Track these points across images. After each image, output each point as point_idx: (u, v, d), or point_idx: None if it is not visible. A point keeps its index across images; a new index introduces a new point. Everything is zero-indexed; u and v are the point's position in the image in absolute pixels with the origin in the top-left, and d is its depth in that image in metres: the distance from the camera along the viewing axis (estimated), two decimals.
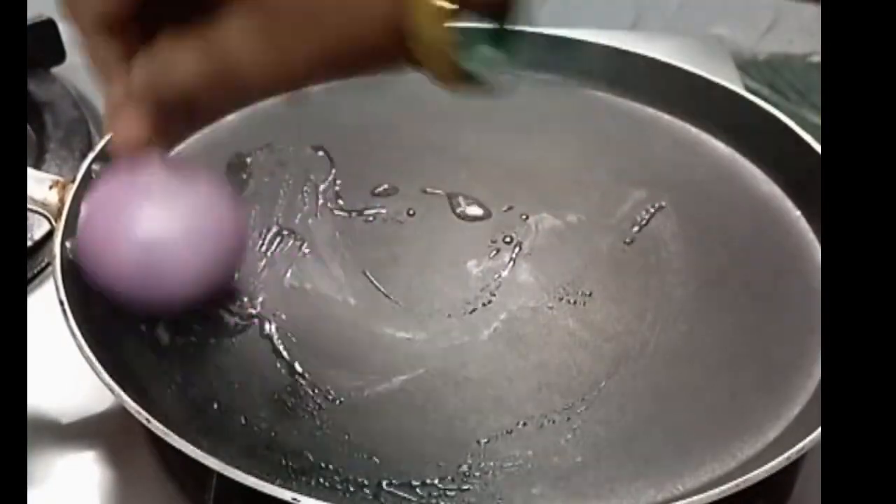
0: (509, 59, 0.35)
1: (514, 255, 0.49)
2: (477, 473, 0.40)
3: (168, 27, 0.37)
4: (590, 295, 0.48)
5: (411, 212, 0.52)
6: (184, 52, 0.36)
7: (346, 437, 0.41)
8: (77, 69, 0.67)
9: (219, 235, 0.42)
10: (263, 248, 0.49)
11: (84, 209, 0.43)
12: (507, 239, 0.50)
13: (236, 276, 0.46)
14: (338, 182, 0.53)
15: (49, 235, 0.48)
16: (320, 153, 0.55)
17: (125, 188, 0.42)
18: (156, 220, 0.41)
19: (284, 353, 0.44)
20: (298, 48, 0.34)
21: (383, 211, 0.52)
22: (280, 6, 0.33)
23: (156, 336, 0.45)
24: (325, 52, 0.34)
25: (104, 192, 0.42)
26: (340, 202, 0.52)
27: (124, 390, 0.39)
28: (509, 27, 0.35)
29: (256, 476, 0.37)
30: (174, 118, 0.39)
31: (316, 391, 0.43)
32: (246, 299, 0.47)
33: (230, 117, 0.57)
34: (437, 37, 0.32)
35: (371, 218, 0.51)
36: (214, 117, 0.55)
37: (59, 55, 0.67)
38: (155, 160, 0.41)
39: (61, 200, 0.47)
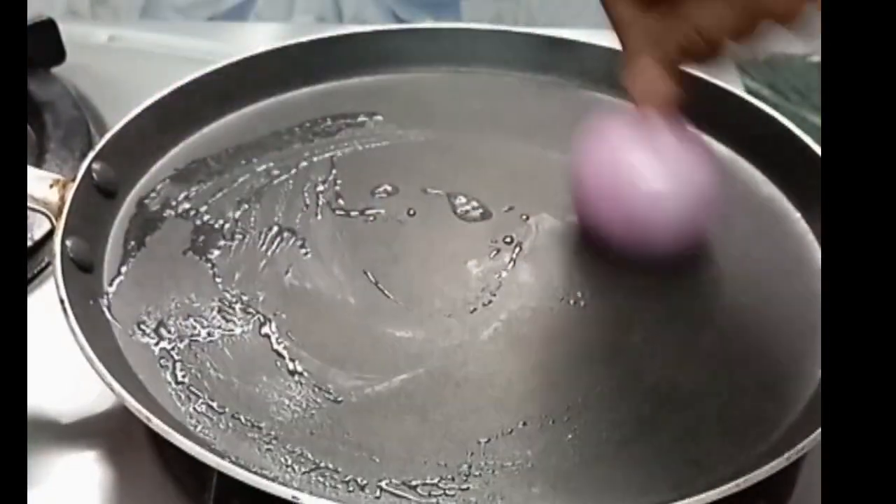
0: None
1: (514, 256, 0.49)
2: (477, 473, 0.40)
3: None
4: (589, 295, 0.48)
5: (411, 212, 0.52)
6: (719, 10, 0.39)
7: (347, 436, 0.41)
8: (76, 69, 0.67)
9: (706, 194, 0.46)
10: (263, 248, 0.49)
11: (590, 140, 0.47)
12: (508, 239, 0.50)
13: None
14: (338, 182, 0.53)
15: (49, 234, 0.48)
16: (321, 154, 0.55)
17: (633, 136, 0.45)
18: (658, 172, 0.45)
19: (284, 353, 0.44)
20: None
21: (383, 211, 0.52)
22: None
23: (156, 336, 0.45)
24: None
25: (611, 134, 0.46)
26: (340, 202, 0.52)
27: (125, 389, 0.39)
28: None
29: (257, 475, 0.37)
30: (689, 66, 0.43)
31: (316, 391, 0.43)
32: (246, 299, 0.47)
33: (230, 116, 0.57)
34: None
35: (371, 218, 0.51)
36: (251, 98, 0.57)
37: (59, 55, 0.67)
38: (663, 114, 0.44)
39: (62, 199, 0.47)
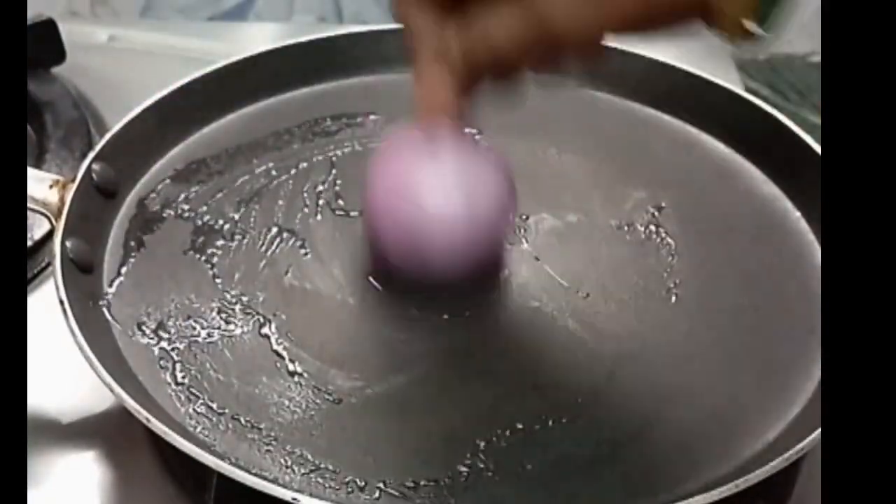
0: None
1: (514, 255, 0.49)
2: (477, 474, 0.40)
3: None
4: (589, 295, 0.48)
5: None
6: (502, 17, 0.37)
7: (346, 437, 0.41)
8: (76, 69, 0.68)
9: (497, 213, 0.43)
10: (263, 248, 0.49)
11: (375, 167, 0.44)
12: (507, 238, 0.50)
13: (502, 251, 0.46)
14: (338, 182, 0.53)
15: (49, 235, 0.48)
16: (321, 154, 0.55)
17: (419, 154, 0.42)
18: (445, 193, 0.41)
19: (284, 354, 0.44)
20: (621, 7, 0.35)
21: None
22: None
23: (155, 336, 0.45)
24: (644, 11, 0.35)
25: (397, 154, 0.43)
26: (340, 202, 0.52)
27: (124, 390, 0.39)
28: None
29: (257, 476, 0.37)
30: (477, 86, 0.40)
31: (315, 392, 0.43)
32: (246, 299, 0.47)
33: (230, 116, 0.57)
34: None
35: None
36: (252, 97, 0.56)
37: (59, 55, 0.67)
38: (453, 128, 0.41)
39: (61, 200, 0.47)
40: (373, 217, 0.44)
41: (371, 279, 0.48)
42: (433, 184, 0.42)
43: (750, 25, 0.35)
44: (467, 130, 0.43)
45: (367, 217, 0.45)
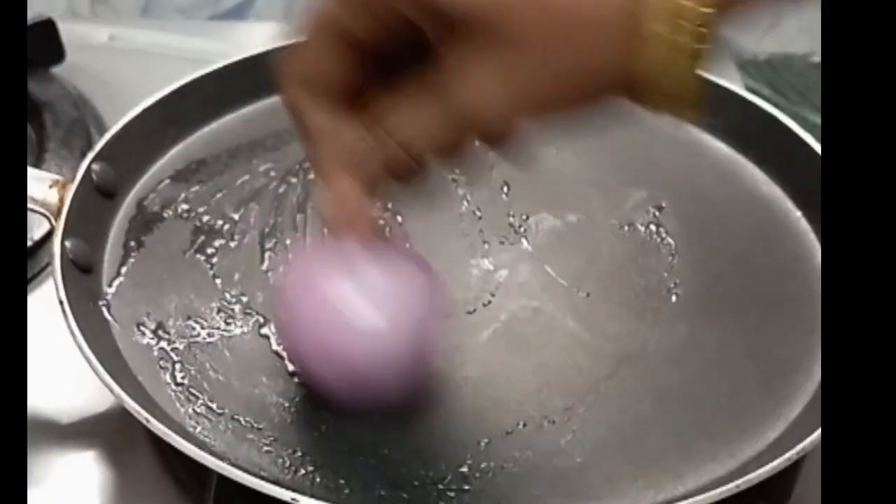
0: None
1: (514, 256, 0.49)
2: (477, 474, 0.40)
3: (379, 83, 0.35)
4: (589, 295, 0.48)
5: (410, 212, 0.51)
6: (415, 111, 0.34)
7: (346, 437, 0.41)
8: (76, 69, 0.67)
9: (426, 329, 0.40)
10: (263, 248, 0.49)
11: (290, 279, 0.41)
12: (507, 239, 0.50)
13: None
14: None
15: (49, 235, 0.48)
16: None
17: (335, 271, 0.38)
18: (368, 314, 0.38)
19: (284, 354, 0.44)
20: (536, 87, 0.33)
21: (384, 211, 0.51)
22: (518, 38, 0.32)
23: (155, 337, 0.45)
24: (560, 91, 0.33)
25: (311, 273, 0.39)
26: None
27: (124, 390, 0.39)
28: None
29: (257, 476, 0.37)
30: (391, 183, 0.36)
31: (315, 391, 0.43)
32: (246, 299, 0.47)
33: (230, 116, 0.57)
34: (678, 77, 0.32)
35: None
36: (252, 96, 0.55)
37: (59, 55, 0.67)
38: (367, 237, 0.38)
39: (61, 200, 0.47)
40: (290, 332, 0.41)
41: None
42: (352, 300, 0.38)
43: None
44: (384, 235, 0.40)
45: (283, 331, 0.43)
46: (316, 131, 0.36)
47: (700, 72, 0.33)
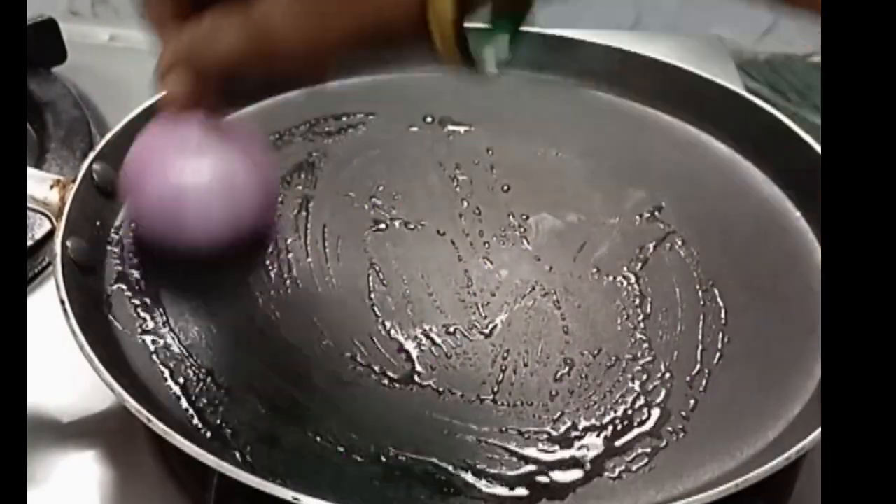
0: (510, 57, 0.38)
1: (514, 255, 0.49)
2: (477, 473, 0.40)
3: (220, 2, 0.38)
4: (589, 295, 0.48)
5: (411, 211, 0.52)
6: (227, 26, 0.38)
7: (346, 437, 0.41)
8: (77, 69, 0.68)
9: (246, 189, 0.45)
10: (266, 247, 0.49)
11: (130, 151, 0.46)
12: (508, 238, 0.50)
13: (267, 232, 0.49)
14: (339, 182, 0.53)
15: (50, 235, 0.48)
16: (321, 154, 0.55)
17: (166, 137, 0.44)
18: (187, 168, 0.44)
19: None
20: (333, 26, 0.36)
21: (383, 211, 0.52)
22: None
23: (156, 336, 0.45)
24: (357, 30, 0.36)
25: (148, 138, 0.45)
26: (340, 202, 0.52)
27: (125, 389, 0.39)
28: (519, 25, 0.38)
29: (257, 476, 0.37)
30: (216, 86, 0.41)
31: (315, 391, 0.43)
32: (246, 299, 0.47)
33: (230, 116, 0.57)
34: (445, 26, 0.35)
35: (371, 218, 0.51)
36: (251, 97, 0.57)
37: (59, 55, 0.67)
38: (196, 118, 0.43)
39: (62, 200, 0.47)
40: (130, 193, 0.46)
41: (371, 279, 0.48)
42: (180, 161, 0.44)
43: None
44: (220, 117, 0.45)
45: (124, 194, 0.47)
46: (157, 25, 0.42)
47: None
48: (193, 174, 0.44)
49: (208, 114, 0.43)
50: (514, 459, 0.41)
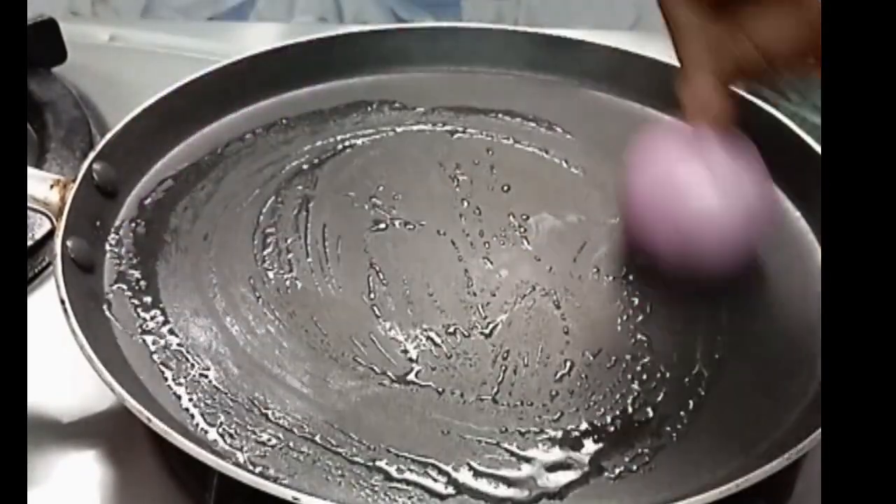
0: None
1: (514, 255, 0.49)
2: (476, 474, 0.40)
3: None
4: (589, 295, 0.48)
5: (411, 211, 0.52)
6: (780, 24, 0.37)
7: (346, 437, 0.41)
8: (77, 69, 0.68)
9: (757, 209, 0.45)
10: (266, 247, 0.49)
11: (643, 159, 0.46)
12: (508, 238, 0.50)
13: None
14: (339, 182, 0.53)
15: (50, 235, 0.48)
16: (321, 154, 0.55)
17: (687, 152, 0.44)
18: (715, 191, 0.44)
19: (284, 354, 0.44)
20: None
21: (383, 211, 0.52)
22: None
23: (156, 336, 0.45)
24: None
25: (664, 151, 0.45)
26: (341, 202, 0.52)
27: (125, 389, 0.39)
28: None
29: (257, 476, 0.37)
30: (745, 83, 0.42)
31: (316, 392, 0.43)
32: (247, 299, 0.47)
33: (230, 116, 0.57)
34: None
35: (371, 218, 0.51)
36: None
37: (59, 55, 0.67)
38: (718, 130, 0.43)
39: (62, 200, 0.47)
40: (636, 209, 0.47)
41: (371, 278, 0.48)
42: (701, 181, 0.44)
43: None
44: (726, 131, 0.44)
45: (628, 208, 0.47)
46: (684, 28, 0.40)
47: None
48: (717, 200, 0.44)
49: (725, 127, 0.43)
50: (514, 459, 0.41)
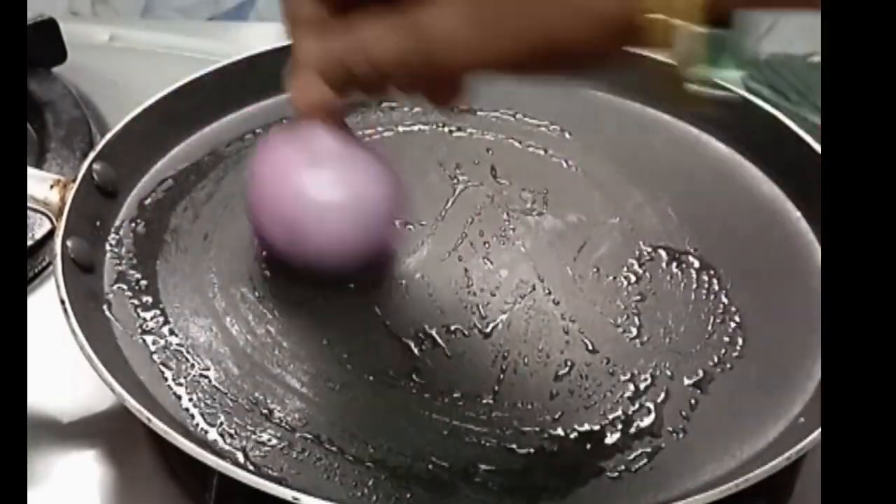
0: (739, 73, 0.33)
1: (514, 255, 0.49)
2: (478, 476, 0.40)
3: (368, 2, 0.36)
4: (589, 295, 0.48)
5: (411, 211, 0.52)
6: (384, 29, 0.35)
7: (347, 437, 0.41)
8: (77, 69, 0.68)
9: (378, 205, 0.44)
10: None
11: (257, 161, 0.45)
12: (508, 238, 0.50)
13: (393, 244, 0.48)
14: None
15: (50, 234, 0.48)
16: None
17: (296, 148, 0.43)
18: (321, 183, 0.43)
19: (285, 354, 0.44)
20: (505, 36, 0.32)
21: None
22: None
23: (156, 336, 0.45)
24: (534, 45, 0.32)
25: (275, 149, 0.44)
26: None
27: (125, 389, 0.40)
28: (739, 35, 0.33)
29: (257, 476, 0.37)
30: (355, 90, 0.39)
31: (316, 392, 0.43)
32: (246, 299, 0.47)
33: (230, 116, 0.57)
34: (681, 46, 0.31)
35: None
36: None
37: (59, 55, 0.67)
38: (327, 126, 0.42)
39: (62, 200, 0.47)
40: (255, 209, 0.45)
41: (371, 279, 0.48)
42: (310, 175, 0.43)
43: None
44: (349, 128, 0.44)
45: (249, 210, 0.45)
46: (297, 19, 0.39)
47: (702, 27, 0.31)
48: (325, 188, 0.43)
49: (336, 123, 0.42)
50: (514, 459, 0.41)
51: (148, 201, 0.52)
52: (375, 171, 0.44)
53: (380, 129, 0.57)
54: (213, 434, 0.41)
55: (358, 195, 0.43)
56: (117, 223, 0.50)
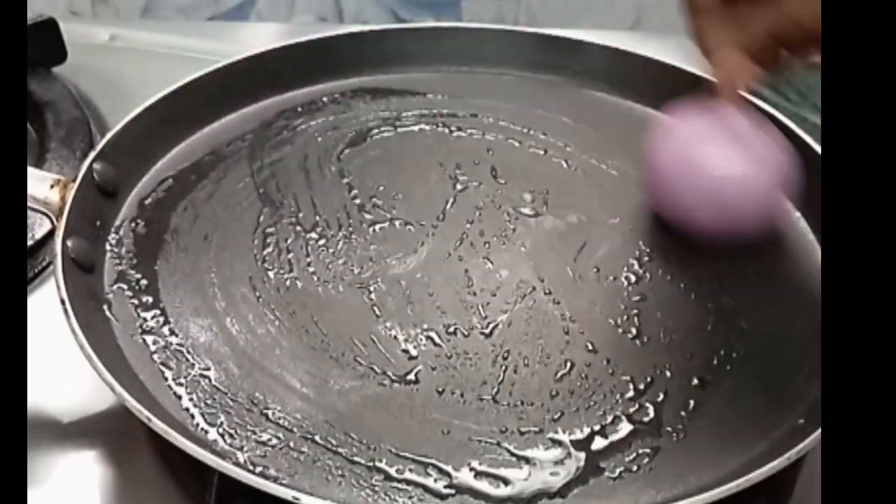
0: None
1: (514, 255, 0.49)
2: (478, 475, 0.40)
3: None
4: (589, 295, 0.48)
5: (412, 212, 0.52)
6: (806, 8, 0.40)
7: (346, 437, 0.41)
8: (77, 69, 0.68)
9: (774, 177, 0.48)
10: (266, 247, 0.49)
11: (663, 138, 0.49)
12: (508, 238, 0.50)
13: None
14: (340, 181, 0.53)
15: (50, 234, 0.48)
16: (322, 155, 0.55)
17: (712, 126, 0.48)
18: (741, 158, 0.47)
19: (285, 354, 0.44)
20: None
21: (383, 211, 0.52)
22: None
23: (156, 336, 0.45)
24: None
25: (690, 127, 0.48)
26: (344, 202, 0.52)
27: (125, 389, 0.39)
28: None
29: (257, 476, 0.37)
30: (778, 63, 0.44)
31: (316, 392, 0.43)
32: (246, 299, 0.47)
33: (230, 116, 0.57)
34: None
35: (371, 218, 0.51)
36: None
37: (59, 55, 0.67)
38: (740, 103, 0.47)
39: (62, 199, 0.47)
40: (667, 189, 0.49)
41: (371, 279, 0.48)
42: (727, 150, 0.47)
43: None
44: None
45: (652, 178, 0.50)
46: (701, 16, 0.44)
47: None
48: (738, 164, 0.47)
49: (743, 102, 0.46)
50: (514, 459, 0.41)
51: (148, 201, 0.52)
52: (774, 145, 0.48)
53: (382, 129, 0.57)
54: (213, 434, 0.41)
55: (766, 166, 0.48)
56: (117, 223, 0.50)
